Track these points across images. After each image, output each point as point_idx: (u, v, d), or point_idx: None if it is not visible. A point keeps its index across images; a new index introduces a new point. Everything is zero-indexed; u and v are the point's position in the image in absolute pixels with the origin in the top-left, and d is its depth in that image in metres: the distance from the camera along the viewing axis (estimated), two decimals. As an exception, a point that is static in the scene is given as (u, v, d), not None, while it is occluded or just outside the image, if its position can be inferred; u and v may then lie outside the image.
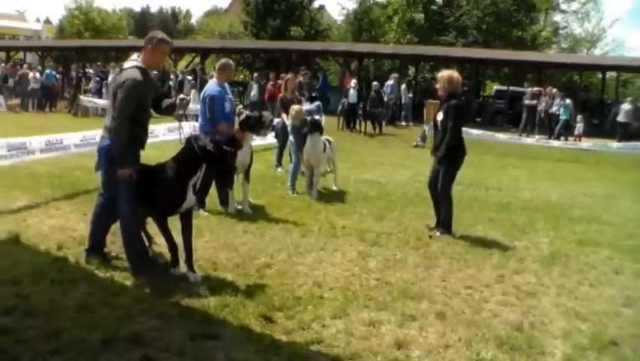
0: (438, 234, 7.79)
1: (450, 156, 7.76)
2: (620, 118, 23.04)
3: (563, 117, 23.48)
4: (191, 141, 5.76)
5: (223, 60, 8.88)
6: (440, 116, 7.81)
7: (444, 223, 7.89)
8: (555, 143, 21.00)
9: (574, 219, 9.49)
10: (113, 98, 5.63)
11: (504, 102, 29.64)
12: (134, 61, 5.68)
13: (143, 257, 5.85)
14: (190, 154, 5.68)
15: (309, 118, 9.76)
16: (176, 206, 5.71)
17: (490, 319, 5.14)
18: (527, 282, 6.18)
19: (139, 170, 5.75)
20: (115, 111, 5.54)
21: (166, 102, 6.12)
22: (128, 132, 5.50)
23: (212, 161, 5.79)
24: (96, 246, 5.92)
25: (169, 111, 6.17)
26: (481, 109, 31.50)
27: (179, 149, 5.88)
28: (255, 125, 8.42)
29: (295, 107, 10.47)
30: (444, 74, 7.95)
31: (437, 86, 8.06)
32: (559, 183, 13.31)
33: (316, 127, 9.72)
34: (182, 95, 6.40)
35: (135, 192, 5.71)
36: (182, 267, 5.75)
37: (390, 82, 26.52)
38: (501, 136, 20.90)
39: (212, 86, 8.49)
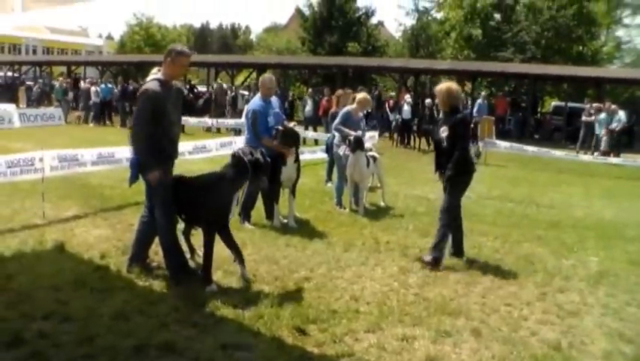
0: (428, 258, 6.98)
1: (458, 175, 7.18)
2: None
3: (596, 132, 23.11)
4: (239, 155, 5.95)
5: (265, 75, 9.07)
6: (445, 132, 7.22)
7: (434, 249, 7.06)
8: (614, 160, 20.38)
9: (628, 238, 9.19)
10: None
11: (562, 119, 29.13)
12: (154, 75, 5.88)
13: (182, 268, 5.99)
14: (239, 167, 5.86)
15: (351, 137, 9.72)
16: (225, 217, 5.91)
17: (527, 337, 5.05)
18: (571, 301, 6.03)
19: (182, 182, 5.98)
20: (132, 124, 5.82)
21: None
22: (145, 140, 5.67)
23: (261, 173, 5.98)
24: (138, 256, 6.07)
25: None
26: (538, 125, 31.05)
27: (227, 162, 6.05)
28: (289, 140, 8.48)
29: (363, 94, 10.71)
30: (442, 87, 7.45)
31: (437, 100, 7.72)
32: (615, 201, 12.94)
33: (358, 145, 9.71)
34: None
35: (181, 204, 5.94)
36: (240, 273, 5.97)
37: (479, 100, 26.51)
38: (557, 153, 20.45)
39: (255, 101, 8.67)
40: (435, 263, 6.91)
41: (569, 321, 5.48)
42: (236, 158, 5.96)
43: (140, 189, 6.29)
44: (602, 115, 23.03)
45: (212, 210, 5.84)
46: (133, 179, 5.94)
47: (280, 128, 8.26)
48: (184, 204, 5.99)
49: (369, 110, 13.30)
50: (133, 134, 5.74)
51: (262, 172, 6.03)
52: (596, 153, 22.21)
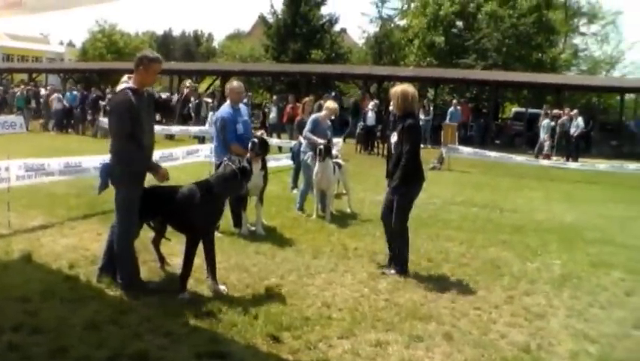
0: (393, 272, 6.91)
1: (406, 184, 6.86)
2: None
3: (540, 137, 24.24)
4: (228, 164, 6.13)
5: (233, 82, 9.10)
6: (394, 138, 6.93)
7: (398, 262, 6.99)
8: (572, 165, 20.89)
9: (588, 241, 9.43)
10: (109, 121, 5.83)
11: (523, 124, 29.67)
12: (125, 83, 5.77)
13: (134, 276, 5.89)
14: (229, 175, 6.02)
15: (321, 146, 9.80)
16: (214, 224, 6.27)
17: (497, 340, 5.15)
18: (537, 303, 6.18)
19: (167, 191, 6.01)
20: (112, 135, 5.74)
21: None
22: (130, 152, 5.61)
23: (246, 180, 6.23)
24: (108, 265, 6.00)
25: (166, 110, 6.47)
26: (499, 131, 31.55)
27: (217, 170, 6.28)
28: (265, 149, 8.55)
29: (331, 101, 10.92)
30: (397, 89, 6.98)
31: (391, 103, 7.20)
32: (574, 205, 13.23)
33: (327, 153, 9.82)
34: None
35: (166, 213, 6.01)
36: (210, 284, 5.97)
37: (451, 108, 26.90)
38: (518, 158, 20.84)
39: (224, 108, 8.70)
40: (400, 274, 6.83)
41: (537, 323, 5.60)
42: (225, 166, 6.11)
43: (107, 198, 6.25)
44: (546, 121, 24.09)
45: (202, 218, 5.90)
46: (103, 186, 5.89)
47: (256, 140, 8.30)
48: (170, 213, 6.02)
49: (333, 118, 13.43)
50: (120, 149, 5.64)
51: (247, 179, 6.26)
52: (554, 158, 22.77)
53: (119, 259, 5.86)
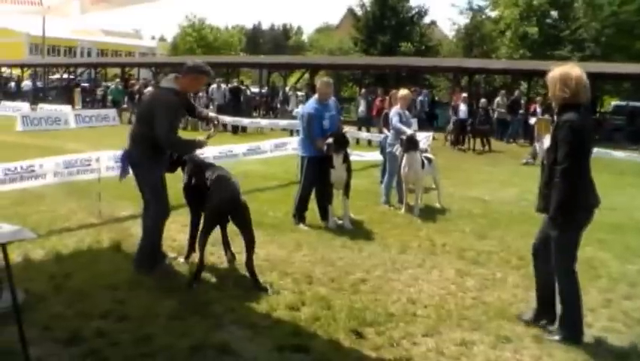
0: (557, 337, 4.85)
1: (565, 212, 4.78)
2: None
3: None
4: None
5: (322, 79, 9.14)
6: (547, 142, 5.03)
7: (565, 322, 4.87)
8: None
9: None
10: (148, 113, 5.98)
11: (623, 118, 28.34)
12: (170, 82, 6.07)
13: (151, 256, 6.15)
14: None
15: (403, 136, 9.66)
16: None
17: (592, 345, 4.84)
18: (637, 308, 5.78)
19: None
20: (144, 123, 6.02)
21: (201, 112, 6.73)
22: (179, 140, 6.05)
23: None
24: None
25: (200, 118, 6.97)
26: (598, 125, 30.27)
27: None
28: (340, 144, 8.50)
29: (403, 90, 10.86)
30: (555, 71, 4.93)
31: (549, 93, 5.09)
32: (683, 204, 12.43)
33: (413, 145, 9.63)
34: (212, 115, 7.14)
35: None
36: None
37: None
38: (619, 154, 19.80)
39: (310, 103, 8.75)
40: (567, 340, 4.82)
41: (637, 330, 5.25)
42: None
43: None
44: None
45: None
46: (124, 173, 6.36)
47: (331, 140, 8.26)
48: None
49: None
50: (173, 144, 6.05)
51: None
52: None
53: (144, 237, 6.19)
